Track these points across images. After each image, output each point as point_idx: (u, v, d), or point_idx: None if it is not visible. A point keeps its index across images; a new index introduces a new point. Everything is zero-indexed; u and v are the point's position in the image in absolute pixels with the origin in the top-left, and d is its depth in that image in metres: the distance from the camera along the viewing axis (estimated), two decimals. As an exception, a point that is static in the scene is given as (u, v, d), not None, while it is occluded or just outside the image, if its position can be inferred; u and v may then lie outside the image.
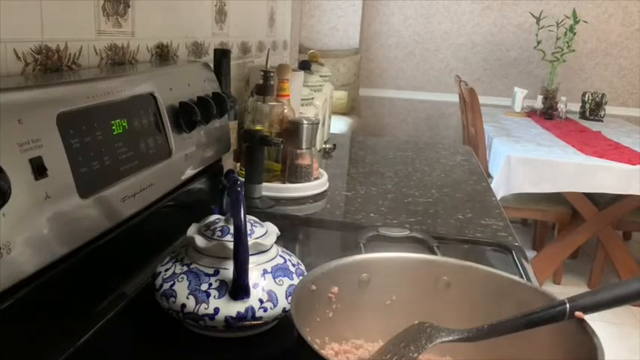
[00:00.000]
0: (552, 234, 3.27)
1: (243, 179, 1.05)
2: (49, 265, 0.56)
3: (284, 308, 0.62)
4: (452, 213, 1.10)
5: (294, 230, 1.00)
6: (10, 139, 0.51)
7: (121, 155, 0.69)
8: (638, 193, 2.41)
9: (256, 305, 0.60)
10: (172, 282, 0.61)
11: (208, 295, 0.60)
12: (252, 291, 0.60)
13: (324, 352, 0.53)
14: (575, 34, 3.60)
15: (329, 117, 1.73)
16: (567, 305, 0.50)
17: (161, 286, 0.62)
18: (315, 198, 1.15)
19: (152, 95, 0.80)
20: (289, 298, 0.62)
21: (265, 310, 0.60)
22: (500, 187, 2.45)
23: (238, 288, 0.59)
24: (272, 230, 0.67)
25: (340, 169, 1.43)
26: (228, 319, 0.59)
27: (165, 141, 0.82)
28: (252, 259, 0.61)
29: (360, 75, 4.07)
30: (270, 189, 1.11)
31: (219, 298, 0.59)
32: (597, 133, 3.05)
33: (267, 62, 1.18)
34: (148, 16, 1.00)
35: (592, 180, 2.41)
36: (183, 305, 0.60)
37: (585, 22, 3.77)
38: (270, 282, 0.62)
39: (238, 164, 1.21)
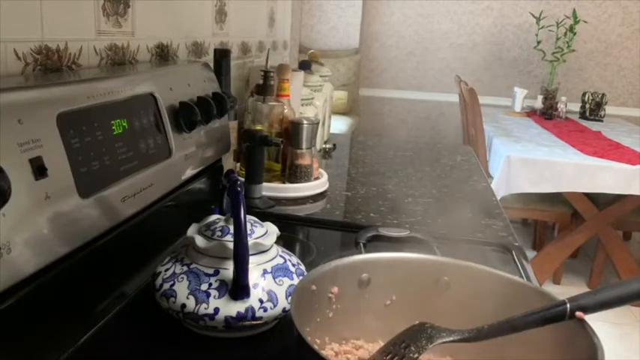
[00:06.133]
0: (552, 234, 3.27)
1: (243, 179, 1.05)
2: (49, 265, 0.56)
3: (284, 308, 0.62)
4: (452, 213, 1.10)
5: (294, 230, 1.00)
6: (10, 139, 0.51)
7: (121, 155, 0.69)
8: (638, 193, 2.41)
9: (256, 305, 0.60)
10: (172, 282, 0.61)
11: (208, 295, 0.60)
12: (252, 291, 0.60)
13: (324, 353, 0.53)
14: (575, 34, 3.60)
15: (329, 117, 1.73)
16: (568, 305, 0.50)
17: (161, 286, 0.62)
18: (315, 198, 1.14)
19: (152, 95, 0.80)
20: (289, 298, 0.62)
21: (265, 310, 0.60)
22: (500, 187, 2.45)
23: (238, 288, 0.59)
24: (272, 230, 0.67)
25: (340, 169, 1.43)
26: (228, 319, 0.59)
27: (165, 141, 0.82)
28: (252, 259, 0.61)
29: (360, 75, 4.07)
30: (270, 189, 1.11)
31: (219, 298, 0.59)
32: (597, 133, 3.05)
33: (267, 62, 1.18)
34: (148, 16, 1.00)
35: (592, 180, 2.41)
36: (183, 305, 0.60)
37: (585, 22, 3.76)
38: (270, 282, 0.62)
39: (238, 164, 1.21)
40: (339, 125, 3.30)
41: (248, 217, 0.63)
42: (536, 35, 3.68)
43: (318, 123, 1.18)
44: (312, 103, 1.45)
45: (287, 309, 0.62)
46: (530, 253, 3.03)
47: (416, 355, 0.51)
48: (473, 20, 4.04)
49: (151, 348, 0.62)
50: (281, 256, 0.67)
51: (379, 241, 0.88)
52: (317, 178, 1.18)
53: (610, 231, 2.74)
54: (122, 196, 0.68)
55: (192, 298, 0.60)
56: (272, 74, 1.13)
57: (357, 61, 3.99)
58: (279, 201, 1.10)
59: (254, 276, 0.61)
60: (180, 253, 0.66)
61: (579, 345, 0.49)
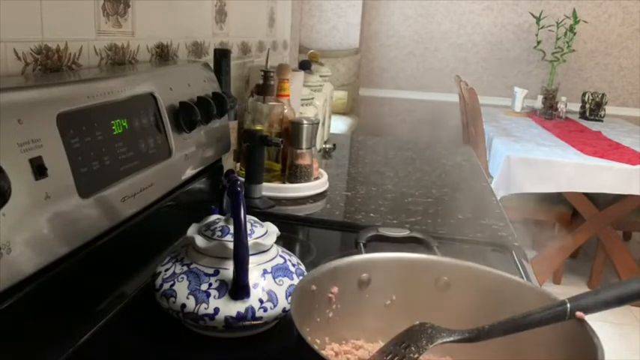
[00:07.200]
0: (552, 234, 3.27)
1: (243, 179, 1.05)
2: (50, 265, 0.56)
3: (284, 308, 0.62)
4: (452, 213, 1.10)
5: (294, 230, 1.00)
6: (10, 139, 0.51)
7: (121, 155, 0.69)
8: (638, 193, 2.41)
9: (256, 305, 0.60)
10: (172, 282, 0.61)
11: (208, 295, 0.60)
12: (252, 291, 0.60)
13: (324, 353, 0.53)
14: (575, 34, 3.60)
15: (329, 117, 1.73)
16: (568, 305, 0.50)
17: (161, 286, 0.62)
18: (315, 198, 1.14)
19: (152, 95, 0.80)
20: (289, 298, 0.62)
21: (265, 310, 0.60)
22: (500, 187, 2.45)
23: (238, 288, 0.59)
24: (272, 230, 0.67)
25: (340, 169, 1.43)
26: (228, 319, 0.59)
27: (165, 141, 0.82)
28: (252, 259, 0.61)
29: (360, 75, 4.07)
30: (270, 189, 1.11)
31: (219, 298, 0.59)
32: (597, 133, 3.05)
33: (267, 62, 1.18)
34: (148, 16, 1.00)
35: (592, 180, 2.41)
36: (183, 305, 0.60)
37: (585, 22, 3.77)
38: (270, 282, 0.62)
39: (238, 164, 1.21)
40: (339, 125, 3.30)
41: (248, 217, 0.63)
42: (536, 35, 3.68)
43: (318, 123, 1.18)
44: (312, 103, 1.45)
45: (287, 309, 0.62)
46: (530, 253, 3.03)
47: (416, 356, 0.51)
48: (473, 20, 4.04)
49: (151, 348, 0.62)
50: (281, 256, 0.67)
51: (379, 241, 0.88)
52: (317, 178, 1.18)
53: (610, 231, 2.74)
54: (122, 196, 0.68)
55: (192, 298, 0.60)
56: (272, 74, 1.13)
57: (357, 61, 3.99)
58: (279, 201, 1.10)
59: (254, 276, 0.61)
60: (180, 253, 0.66)
61: (579, 345, 0.49)
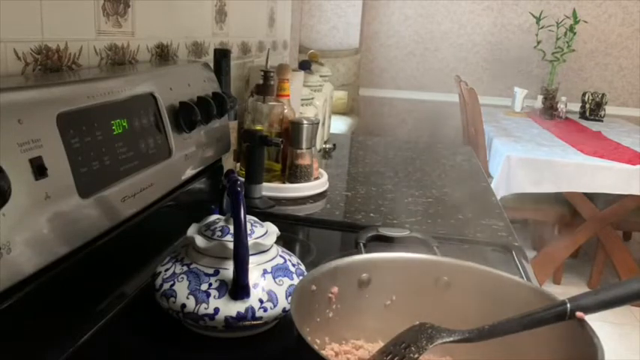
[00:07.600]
0: (552, 234, 3.27)
1: (243, 179, 1.05)
2: (50, 265, 0.56)
3: (284, 308, 0.62)
4: (452, 213, 1.10)
5: (294, 230, 1.00)
6: (10, 139, 0.51)
7: (121, 155, 0.69)
8: (638, 193, 2.41)
9: (256, 305, 0.60)
10: (172, 282, 0.61)
11: (208, 295, 0.60)
12: (252, 291, 0.60)
13: (324, 353, 0.53)
14: (575, 34, 3.60)
15: (329, 117, 1.73)
16: (568, 305, 0.50)
17: (161, 286, 0.62)
18: (315, 198, 1.14)
19: (152, 95, 0.80)
20: (289, 298, 0.62)
21: (265, 310, 0.60)
22: (500, 187, 2.45)
23: (238, 288, 0.59)
24: (272, 230, 0.67)
25: (340, 169, 1.43)
26: (228, 319, 0.59)
27: (165, 141, 0.82)
28: (252, 259, 0.61)
29: (360, 75, 4.07)
30: (270, 189, 1.11)
31: (219, 298, 0.59)
32: (597, 133, 3.05)
33: (267, 62, 1.18)
34: (148, 16, 1.00)
35: (592, 180, 2.41)
36: (183, 305, 0.60)
37: (585, 22, 3.77)
38: (270, 282, 0.62)
39: (238, 164, 1.21)
40: (339, 125, 3.30)
41: (248, 217, 0.63)
42: (536, 35, 3.68)
43: (318, 123, 1.18)
44: (312, 103, 1.45)
45: (287, 309, 0.62)
46: (530, 253, 3.03)
47: (416, 356, 0.51)
48: (473, 20, 4.04)
49: (151, 348, 0.62)
50: (281, 256, 0.67)
51: (379, 241, 0.88)
52: (317, 178, 1.18)
53: (610, 231, 2.74)
54: (122, 196, 0.68)
55: (192, 298, 0.60)
56: (272, 74, 1.13)
57: (357, 61, 3.99)
58: (279, 201, 1.10)
59: (254, 276, 0.61)
60: (180, 253, 0.66)
61: (579, 345, 0.49)
